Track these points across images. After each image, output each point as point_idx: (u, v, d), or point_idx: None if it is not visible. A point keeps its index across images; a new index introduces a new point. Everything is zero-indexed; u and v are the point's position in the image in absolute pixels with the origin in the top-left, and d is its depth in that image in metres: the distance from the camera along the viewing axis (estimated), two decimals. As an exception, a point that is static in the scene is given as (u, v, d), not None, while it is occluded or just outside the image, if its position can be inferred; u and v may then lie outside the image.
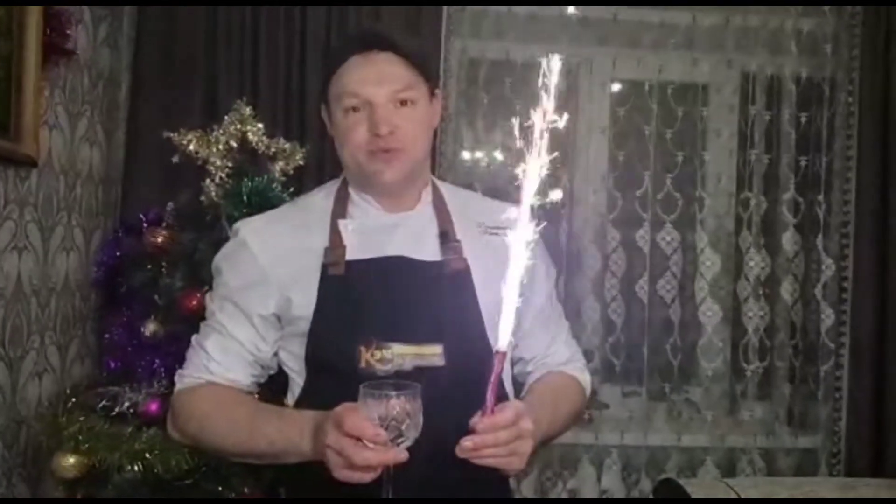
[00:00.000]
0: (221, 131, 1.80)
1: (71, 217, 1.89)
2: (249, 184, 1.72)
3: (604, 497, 2.32)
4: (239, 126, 1.80)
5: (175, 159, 1.79)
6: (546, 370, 1.31)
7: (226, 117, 1.82)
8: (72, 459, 1.52)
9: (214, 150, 1.76)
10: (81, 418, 1.55)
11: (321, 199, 1.26)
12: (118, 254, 1.81)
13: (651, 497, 2.07)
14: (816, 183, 2.32)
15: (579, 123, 2.33)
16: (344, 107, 1.16)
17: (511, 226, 0.94)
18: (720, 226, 2.38)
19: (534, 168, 0.93)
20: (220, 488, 1.52)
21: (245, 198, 1.71)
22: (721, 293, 2.34)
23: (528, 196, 0.94)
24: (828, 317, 2.29)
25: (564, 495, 2.31)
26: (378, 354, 1.11)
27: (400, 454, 0.96)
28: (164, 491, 1.52)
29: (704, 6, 2.30)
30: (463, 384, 1.03)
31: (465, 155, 2.34)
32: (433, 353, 1.13)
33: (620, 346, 2.36)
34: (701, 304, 2.32)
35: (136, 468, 1.49)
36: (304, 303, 1.17)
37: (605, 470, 2.32)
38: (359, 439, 0.96)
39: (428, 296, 1.16)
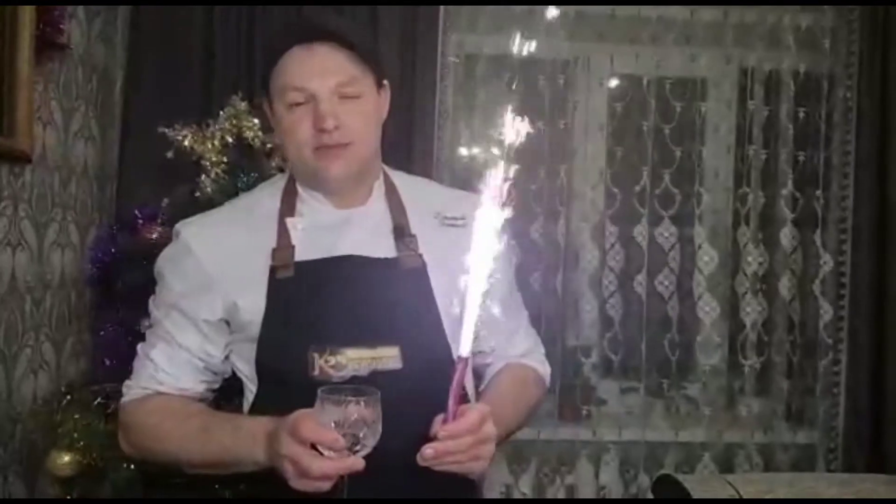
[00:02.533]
0: (217, 127, 1.79)
1: (66, 213, 1.88)
2: (245, 179, 1.71)
3: (602, 493, 2.32)
4: (234, 121, 1.79)
5: (170, 155, 1.78)
6: (505, 362, 1.27)
7: (221, 112, 1.81)
8: (67, 457, 1.51)
9: (210, 145, 1.76)
10: (77, 416, 1.55)
11: (267, 197, 1.20)
12: (113, 250, 1.80)
13: (650, 493, 2.07)
14: (815, 178, 2.31)
15: (577, 119, 2.33)
16: (287, 101, 1.11)
17: (469, 217, 0.91)
18: (718, 221, 2.38)
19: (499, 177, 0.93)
20: (216, 486, 1.51)
21: (240, 193, 1.70)
22: (719, 289, 2.34)
23: (496, 204, 0.92)
24: (826, 312, 2.28)
25: (562, 492, 2.31)
26: (332, 360, 1.06)
27: (357, 463, 0.93)
28: (160, 489, 1.51)
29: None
30: (422, 386, 1.00)
31: (463, 151, 2.33)
32: (389, 356, 1.08)
33: (618, 342, 2.35)
34: (699, 299, 2.32)
35: (131, 466, 1.48)
36: (253, 307, 1.11)
37: (603, 466, 2.32)
38: (314, 447, 0.93)
39: (382, 295, 1.10)
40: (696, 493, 1.72)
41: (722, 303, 2.33)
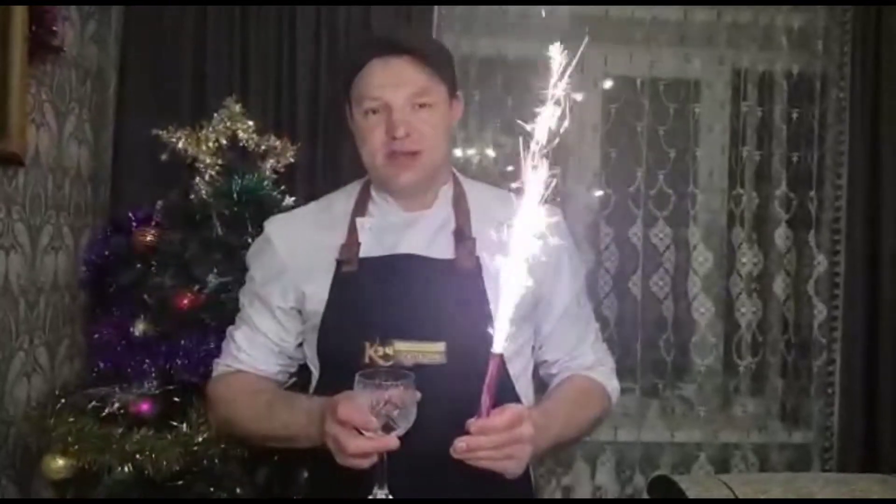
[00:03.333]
0: (211, 129, 1.78)
1: (59, 216, 1.87)
2: (240, 182, 1.71)
3: (598, 494, 2.32)
4: (229, 123, 1.79)
5: (164, 157, 1.77)
6: (570, 373, 1.29)
7: (215, 115, 1.81)
8: (61, 461, 1.50)
9: (204, 147, 1.75)
10: (71, 419, 1.53)
11: (343, 198, 1.30)
12: (107, 253, 1.79)
13: (646, 494, 2.07)
14: (808, 178, 2.32)
15: (571, 120, 2.32)
16: (363, 109, 1.19)
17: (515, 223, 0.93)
18: (713, 222, 2.38)
19: (539, 167, 0.95)
20: (211, 489, 1.51)
21: (235, 196, 1.70)
22: (714, 289, 2.34)
23: (533, 196, 0.95)
24: (820, 312, 2.29)
25: (558, 492, 2.31)
26: (381, 350, 1.14)
27: (391, 442, 0.99)
28: (156, 492, 1.50)
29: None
30: (465, 382, 1.02)
31: (457, 153, 2.33)
32: (435, 351, 1.14)
33: (614, 343, 2.35)
34: (694, 300, 2.33)
35: (126, 469, 1.47)
36: (318, 297, 1.21)
37: (599, 466, 2.32)
38: (357, 427, 0.99)
39: (435, 293, 1.17)
40: (692, 494, 1.72)
41: (717, 303, 2.34)
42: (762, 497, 1.72)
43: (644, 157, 2.33)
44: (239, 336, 1.28)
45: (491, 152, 2.35)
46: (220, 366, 1.30)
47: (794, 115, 2.33)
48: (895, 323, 2.25)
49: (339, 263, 1.21)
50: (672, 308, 2.36)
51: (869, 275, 2.26)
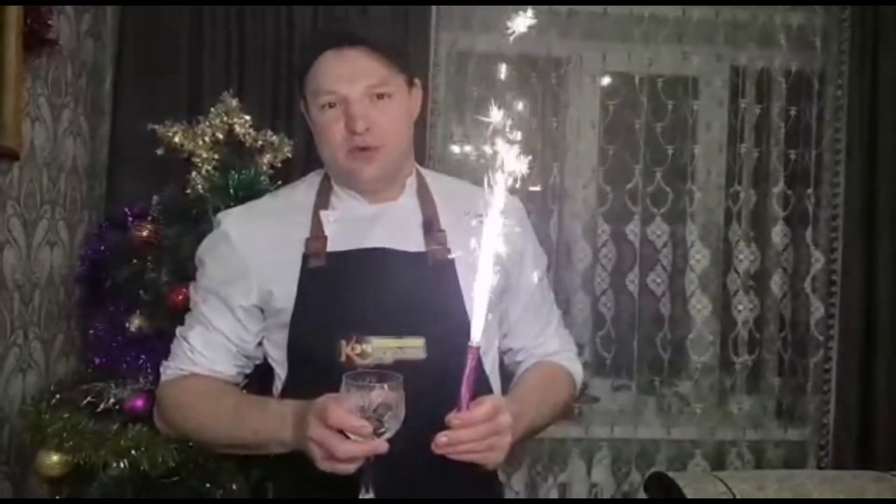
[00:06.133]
0: (207, 124, 1.77)
1: (55, 211, 1.86)
2: (236, 177, 1.70)
3: (594, 491, 2.32)
4: (225, 118, 1.78)
5: (160, 152, 1.76)
6: (535, 360, 1.30)
7: (212, 109, 1.80)
8: (55, 457, 1.50)
9: (200, 142, 1.74)
10: (66, 415, 1.53)
11: (303, 190, 1.25)
12: (102, 248, 1.78)
13: (642, 490, 2.07)
14: (805, 176, 2.33)
15: (569, 117, 2.33)
16: (320, 104, 1.15)
17: (488, 213, 0.93)
18: (710, 219, 2.38)
19: (507, 156, 0.95)
20: (207, 485, 1.51)
21: (232, 191, 1.69)
22: (711, 286, 2.34)
23: (501, 185, 0.94)
24: (817, 309, 2.30)
25: (555, 489, 2.31)
26: (358, 348, 1.10)
27: (381, 446, 0.96)
28: (151, 489, 1.50)
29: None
30: (445, 377, 1.01)
31: (455, 149, 2.33)
32: (414, 346, 1.12)
33: (610, 340, 2.36)
34: (691, 297, 2.33)
35: (121, 465, 1.47)
36: (285, 295, 1.16)
37: (596, 463, 2.32)
38: (340, 430, 0.96)
39: (410, 287, 1.14)
40: (688, 491, 1.72)
41: (714, 300, 2.34)
42: (759, 496, 1.72)
43: (642, 154, 2.33)
44: (194, 337, 1.20)
45: (489, 148, 2.34)
46: (171, 369, 1.22)
47: (792, 113, 2.33)
48: (892, 321, 2.26)
49: (306, 258, 1.16)
50: (669, 305, 2.37)
51: (866, 272, 2.26)
